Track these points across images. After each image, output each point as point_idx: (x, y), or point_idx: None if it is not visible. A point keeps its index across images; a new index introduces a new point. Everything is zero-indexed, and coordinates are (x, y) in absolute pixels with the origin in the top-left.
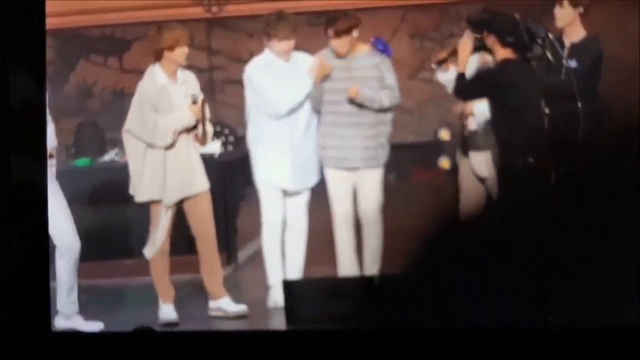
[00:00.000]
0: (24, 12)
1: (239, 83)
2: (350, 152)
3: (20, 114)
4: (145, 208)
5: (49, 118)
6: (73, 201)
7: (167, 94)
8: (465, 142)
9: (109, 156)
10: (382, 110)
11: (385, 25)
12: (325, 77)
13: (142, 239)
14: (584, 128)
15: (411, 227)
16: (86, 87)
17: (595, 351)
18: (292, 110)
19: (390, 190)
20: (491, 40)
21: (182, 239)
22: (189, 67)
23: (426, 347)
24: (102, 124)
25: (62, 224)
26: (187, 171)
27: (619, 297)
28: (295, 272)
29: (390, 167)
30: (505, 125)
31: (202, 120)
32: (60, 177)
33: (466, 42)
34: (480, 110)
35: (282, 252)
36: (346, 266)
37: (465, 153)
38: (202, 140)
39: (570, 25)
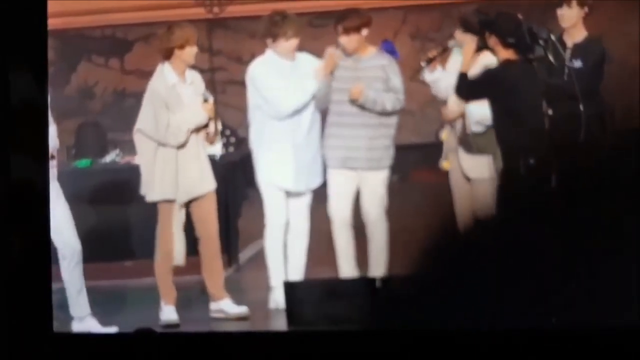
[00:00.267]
0: (26, 12)
1: (240, 84)
2: (354, 152)
3: (21, 113)
4: (146, 209)
5: (50, 119)
6: (73, 202)
7: (177, 93)
8: (459, 143)
9: (110, 157)
10: (385, 113)
11: (387, 26)
12: (333, 70)
13: (143, 241)
14: (585, 129)
15: (412, 228)
16: (87, 87)
17: (596, 351)
18: (297, 111)
19: (391, 191)
20: (493, 41)
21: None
22: (191, 67)
23: (427, 348)
24: (103, 124)
25: (62, 226)
26: (197, 170)
27: (620, 297)
28: (297, 273)
29: (392, 168)
30: (506, 126)
31: (215, 119)
32: (61, 178)
33: (470, 42)
34: (473, 111)
35: (284, 253)
36: (345, 271)
37: (456, 153)
38: (213, 139)
39: (574, 26)
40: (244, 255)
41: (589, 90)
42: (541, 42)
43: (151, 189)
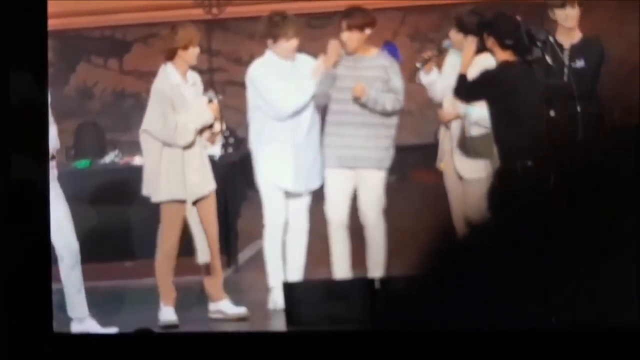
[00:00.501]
0: (26, 13)
1: (239, 84)
2: (354, 151)
3: (21, 113)
4: (145, 210)
5: (51, 119)
6: (73, 203)
7: (181, 93)
8: (457, 146)
9: (109, 158)
10: (384, 113)
11: (386, 27)
12: (336, 63)
13: (142, 241)
14: (584, 129)
15: (411, 228)
16: (86, 88)
17: (596, 351)
18: (297, 112)
19: (390, 191)
20: (491, 42)
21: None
22: (191, 67)
23: (426, 348)
24: (102, 125)
25: (62, 226)
26: (202, 170)
27: (620, 297)
28: (296, 274)
29: (391, 169)
30: (505, 127)
31: (220, 119)
32: (60, 178)
33: (470, 44)
34: (471, 113)
35: (283, 254)
36: (340, 272)
37: (452, 155)
38: (214, 139)
39: (573, 27)
40: (243, 255)
41: (588, 90)
42: (539, 43)
43: (156, 190)
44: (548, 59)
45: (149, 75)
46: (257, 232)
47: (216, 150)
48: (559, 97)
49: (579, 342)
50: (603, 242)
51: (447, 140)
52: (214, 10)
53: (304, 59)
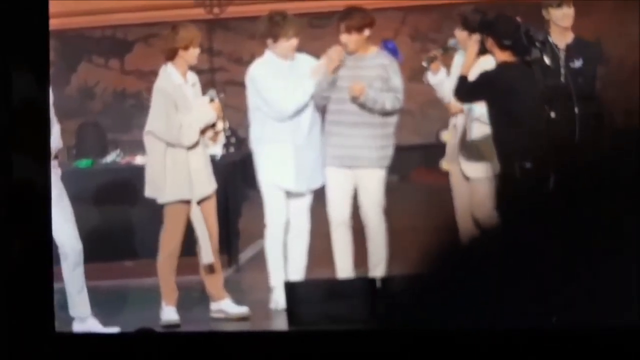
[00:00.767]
0: (28, 12)
1: (240, 84)
2: (353, 150)
3: (22, 113)
4: (147, 209)
5: (54, 119)
6: (74, 202)
7: (183, 93)
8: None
9: (111, 157)
10: (384, 112)
11: (387, 27)
12: (337, 68)
13: (144, 241)
14: (583, 129)
15: (412, 228)
16: (87, 88)
17: (596, 351)
18: (297, 112)
19: (391, 191)
20: (490, 43)
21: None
22: (191, 67)
23: (427, 348)
24: (104, 125)
25: (65, 226)
26: (206, 170)
27: (620, 297)
28: (297, 273)
29: (392, 169)
30: (504, 128)
31: (223, 118)
32: (62, 178)
33: (472, 45)
34: (474, 109)
35: (285, 253)
36: (343, 271)
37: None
38: (216, 138)
39: (567, 27)
40: (245, 255)
41: (587, 90)
42: (538, 44)
43: (161, 191)
44: (546, 59)
45: (150, 75)
46: (258, 231)
47: (218, 150)
48: (558, 98)
49: (579, 342)
50: (603, 242)
51: (454, 140)
52: (215, 10)
53: (304, 58)
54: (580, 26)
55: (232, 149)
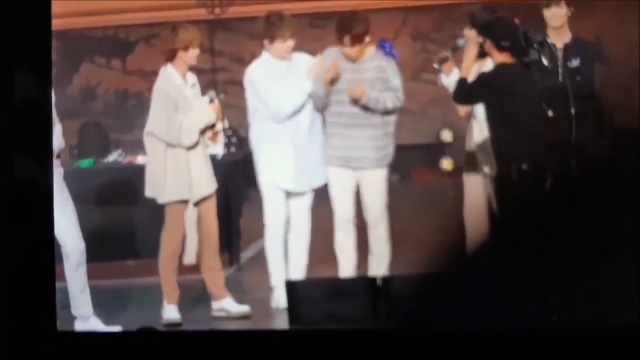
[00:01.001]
0: (30, 13)
1: (241, 84)
2: (355, 152)
3: (24, 113)
4: (148, 209)
5: (56, 119)
6: (76, 202)
7: (183, 94)
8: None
9: (113, 157)
10: (385, 112)
11: (387, 27)
12: (335, 80)
13: (145, 240)
14: (583, 129)
15: (413, 227)
16: (89, 88)
17: (596, 351)
18: (295, 112)
19: (392, 191)
20: (488, 45)
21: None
22: (191, 68)
23: (427, 347)
24: (106, 125)
25: (68, 225)
26: (206, 170)
27: (620, 297)
28: (298, 272)
29: (392, 168)
30: (502, 129)
31: (222, 118)
32: (64, 177)
33: (471, 47)
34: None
35: (285, 252)
36: (346, 268)
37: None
38: (217, 139)
39: (562, 27)
40: (246, 254)
41: (586, 89)
42: (536, 45)
43: (162, 191)
44: (544, 60)
45: (152, 75)
46: (259, 231)
47: (218, 150)
48: (557, 98)
49: (579, 342)
50: (603, 242)
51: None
52: (217, 10)
53: (301, 57)
54: (580, 26)
55: (233, 149)
